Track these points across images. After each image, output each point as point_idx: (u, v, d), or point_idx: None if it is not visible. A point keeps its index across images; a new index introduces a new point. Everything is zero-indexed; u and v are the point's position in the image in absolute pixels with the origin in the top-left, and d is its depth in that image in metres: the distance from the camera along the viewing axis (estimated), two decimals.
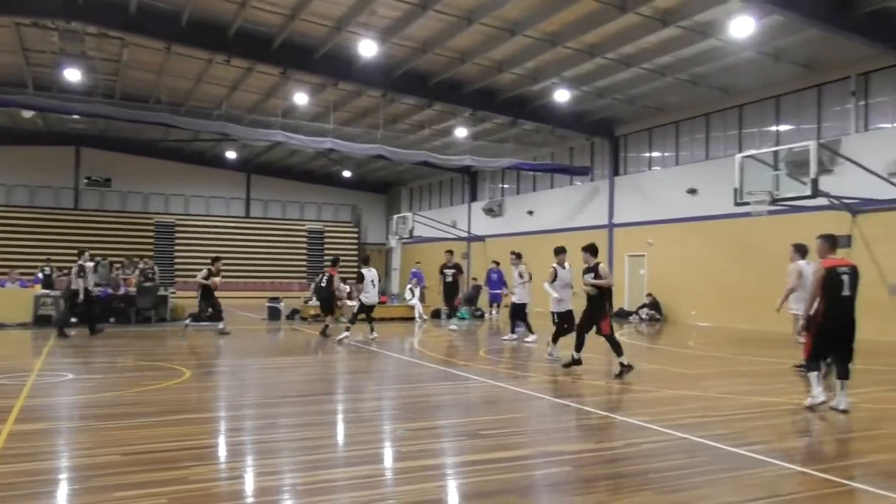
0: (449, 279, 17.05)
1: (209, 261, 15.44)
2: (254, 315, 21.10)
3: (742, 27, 14.62)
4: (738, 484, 4.84)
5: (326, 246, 38.26)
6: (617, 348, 9.80)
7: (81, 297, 14.26)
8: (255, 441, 6.01)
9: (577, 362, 10.19)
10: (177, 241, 34.93)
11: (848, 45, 15.36)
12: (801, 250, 10.15)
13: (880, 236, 15.86)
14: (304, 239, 37.83)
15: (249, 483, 4.83)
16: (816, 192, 13.99)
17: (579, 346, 10.21)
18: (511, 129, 25.07)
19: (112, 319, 17.05)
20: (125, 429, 6.11)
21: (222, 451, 5.74)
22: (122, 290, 17.93)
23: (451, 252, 17.73)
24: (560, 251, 11.48)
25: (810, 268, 9.10)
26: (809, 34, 15.17)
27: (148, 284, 19.03)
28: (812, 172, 13.89)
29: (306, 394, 8.41)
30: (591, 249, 10.33)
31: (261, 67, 20.49)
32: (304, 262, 37.54)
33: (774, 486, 4.80)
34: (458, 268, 17.35)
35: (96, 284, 17.02)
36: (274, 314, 20.02)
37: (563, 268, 11.39)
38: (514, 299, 14.43)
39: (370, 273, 14.26)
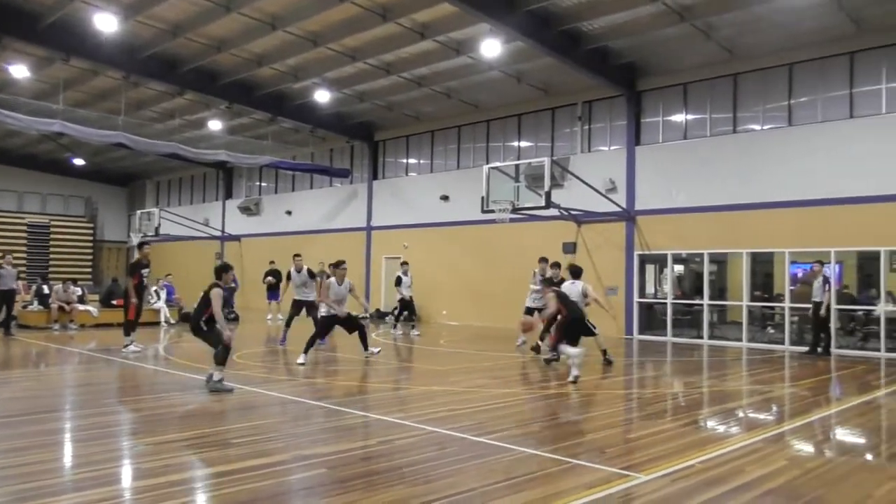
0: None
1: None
2: None
3: (490, 48, 15.92)
4: (481, 470, 5.23)
5: (53, 243, 33.91)
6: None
7: None
8: None
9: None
10: None
11: (576, 76, 17.49)
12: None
13: (599, 244, 18.27)
14: (24, 234, 33.08)
15: None
16: (549, 204, 15.64)
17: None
18: (270, 125, 24.44)
19: None
20: None
21: None
22: None
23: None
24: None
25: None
26: (546, 61, 16.95)
27: None
28: (546, 186, 15.52)
29: (26, 412, 7.32)
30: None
31: None
32: (22, 262, 32.77)
33: (512, 468, 5.27)
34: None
35: None
36: None
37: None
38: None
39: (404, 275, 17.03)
